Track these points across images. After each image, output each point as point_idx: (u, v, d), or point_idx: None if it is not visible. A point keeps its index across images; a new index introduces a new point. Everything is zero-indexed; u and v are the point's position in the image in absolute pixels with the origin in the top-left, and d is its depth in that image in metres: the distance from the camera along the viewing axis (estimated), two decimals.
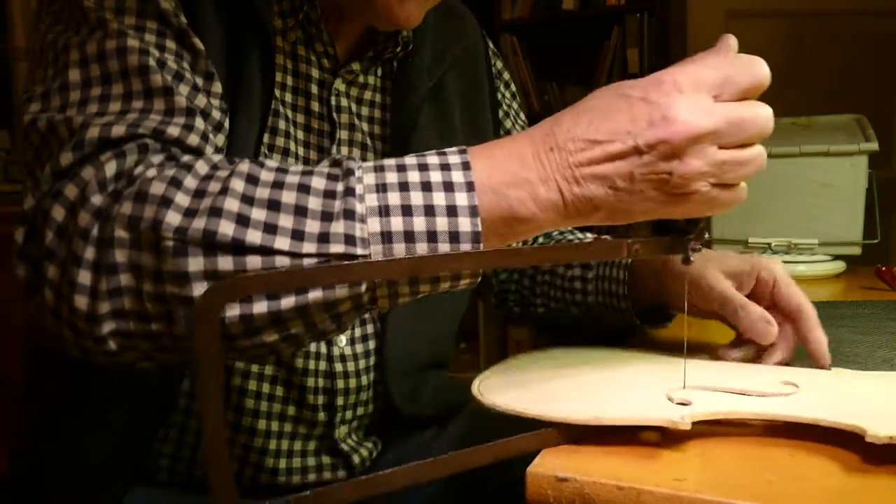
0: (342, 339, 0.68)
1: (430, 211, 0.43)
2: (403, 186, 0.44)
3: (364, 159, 0.68)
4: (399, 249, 0.43)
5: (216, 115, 0.56)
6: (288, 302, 0.42)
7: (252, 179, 0.44)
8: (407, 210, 0.43)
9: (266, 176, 0.45)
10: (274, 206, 0.43)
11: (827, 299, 1.02)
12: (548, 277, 0.80)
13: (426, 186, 0.44)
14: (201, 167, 0.46)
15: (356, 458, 0.70)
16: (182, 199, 0.44)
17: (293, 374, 0.66)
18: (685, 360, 0.53)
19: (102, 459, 0.62)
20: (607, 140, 0.44)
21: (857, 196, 1.17)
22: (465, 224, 0.43)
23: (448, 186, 0.44)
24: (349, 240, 0.42)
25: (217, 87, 0.57)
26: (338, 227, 0.43)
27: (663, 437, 0.44)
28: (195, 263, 0.42)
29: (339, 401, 0.68)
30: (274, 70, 0.62)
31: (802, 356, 0.63)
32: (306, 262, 0.42)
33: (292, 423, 0.67)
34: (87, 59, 0.52)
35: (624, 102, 0.44)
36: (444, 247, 0.43)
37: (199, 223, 0.42)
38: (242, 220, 0.43)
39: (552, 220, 0.46)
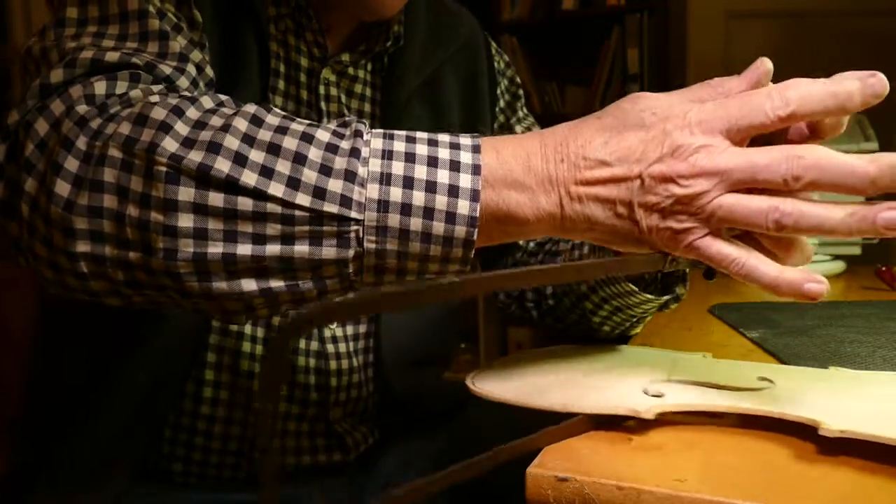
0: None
1: (431, 187, 0.43)
2: (410, 157, 0.43)
3: None
4: (393, 220, 0.42)
5: (209, 72, 0.56)
6: (273, 248, 0.42)
7: (256, 121, 0.44)
8: (408, 182, 0.43)
9: (271, 119, 0.44)
10: (274, 149, 0.43)
11: (827, 299, 1.02)
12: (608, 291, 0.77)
13: (432, 161, 0.43)
14: (206, 101, 0.46)
15: (350, 441, 0.70)
16: (182, 128, 0.43)
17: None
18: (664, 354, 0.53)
19: (105, 457, 0.62)
20: (616, 162, 0.43)
21: (858, 196, 1.17)
22: (463, 207, 0.43)
23: (454, 165, 0.43)
24: (345, 201, 0.42)
25: (207, 58, 0.57)
26: (336, 185, 0.42)
27: (664, 438, 0.44)
28: (185, 194, 0.41)
29: (333, 381, 0.68)
30: (269, 56, 0.63)
31: (803, 357, 0.63)
32: (297, 214, 0.42)
33: (285, 402, 0.67)
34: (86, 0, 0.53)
35: (640, 128, 0.44)
36: (438, 226, 0.43)
37: (196, 155, 0.42)
38: (240, 160, 0.42)
39: (546, 230, 0.46)
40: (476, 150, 0.44)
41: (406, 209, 0.42)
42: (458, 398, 0.76)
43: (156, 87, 0.48)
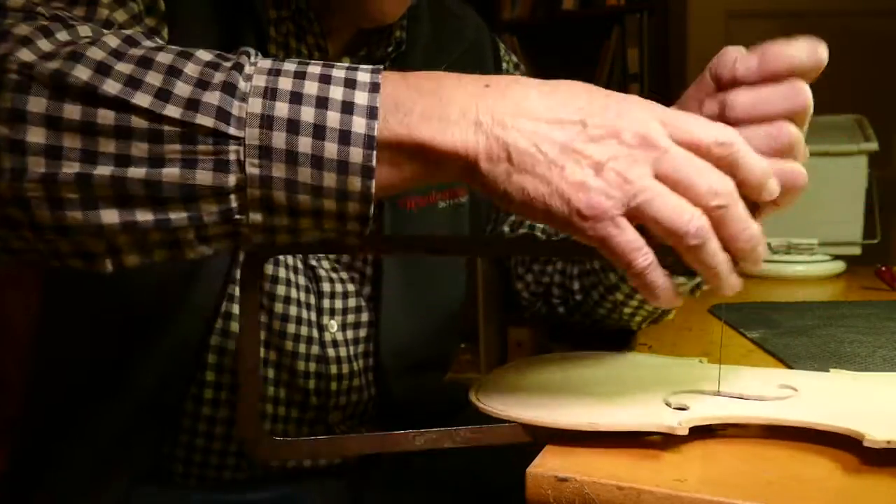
0: (333, 325, 0.68)
1: (322, 103, 0.38)
2: (300, 74, 0.39)
3: None
4: (278, 139, 0.38)
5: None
6: (137, 171, 0.38)
7: (131, 41, 0.40)
8: (296, 98, 0.38)
9: (150, 42, 0.41)
10: (144, 63, 0.39)
11: (827, 299, 1.02)
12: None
13: (324, 79, 0.39)
14: (83, 29, 0.42)
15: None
16: (45, 44, 0.39)
17: (283, 356, 0.66)
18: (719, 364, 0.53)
19: (106, 458, 0.62)
20: (554, 108, 0.40)
21: (857, 196, 1.17)
22: (359, 124, 0.38)
23: (349, 84, 0.39)
24: (221, 114, 0.38)
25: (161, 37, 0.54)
26: (212, 97, 0.38)
27: (664, 439, 0.44)
28: (36, 104, 0.37)
29: (333, 385, 0.68)
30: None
31: (803, 357, 0.63)
32: (166, 129, 0.37)
33: (284, 405, 0.67)
34: None
35: (584, 93, 0.41)
36: (331, 147, 0.38)
37: (52, 63, 0.38)
38: (102, 69, 0.38)
39: (462, 168, 0.40)
40: (375, 88, 0.39)
41: (293, 126, 0.38)
42: (458, 399, 0.76)
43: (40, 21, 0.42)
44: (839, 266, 1.21)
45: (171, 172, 0.38)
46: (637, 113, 0.40)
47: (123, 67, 0.38)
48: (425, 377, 0.76)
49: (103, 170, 0.37)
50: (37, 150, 0.37)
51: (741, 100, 0.44)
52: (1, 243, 0.41)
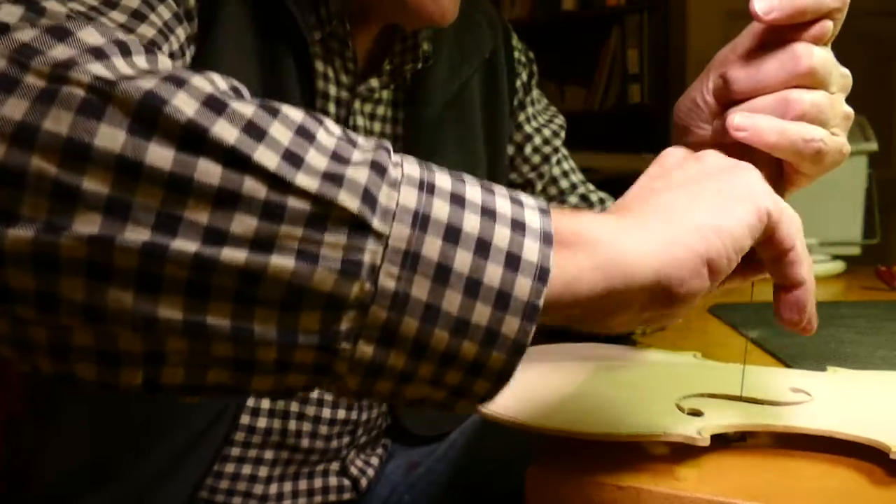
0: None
1: (488, 214, 0.30)
2: (456, 175, 0.31)
3: None
4: (431, 248, 0.28)
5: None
6: (233, 254, 0.27)
7: (235, 87, 0.30)
8: (458, 200, 0.29)
9: (256, 99, 0.30)
10: (267, 112, 0.28)
11: (827, 299, 1.02)
12: None
13: (488, 196, 0.31)
14: (164, 59, 0.31)
15: (364, 482, 0.69)
16: (122, 64, 0.28)
17: (291, 416, 0.63)
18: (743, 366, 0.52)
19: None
20: None
21: (857, 196, 1.18)
22: (531, 249, 0.30)
23: (517, 204, 0.31)
24: (368, 197, 0.28)
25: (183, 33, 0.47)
26: (357, 172, 0.28)
27: (672, 451, 0.43)
28: (109, 137, 0.26)
29: (360, 431, 0.67)
30: (314, 95, 0.58)
31: (803, 357, 0.63)
32: (291, 203, 0.27)
33: (304, 453, 0.65)
34: None
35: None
36: (494, 269, 0.29)
37: (143, 82, 0.27)
38: (215, 105, 0.27)
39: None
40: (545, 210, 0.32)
41: (452, 234, 0.28)
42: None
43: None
44: (839, 266, 1.21)
45: (280, 265, 0.27)
46: None
47: (242, 108, 0.28)
48: None
49: (185, 244, 0.26)
50: (93, 202, 0.26)
51: (740, 75, 0.43)
52: None
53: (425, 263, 0.28)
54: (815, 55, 0.41)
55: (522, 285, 0.29)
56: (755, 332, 0.73)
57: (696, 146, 0.46)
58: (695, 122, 0.48)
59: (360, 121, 0.64)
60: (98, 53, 0.27)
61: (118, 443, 0.57)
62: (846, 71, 0.44)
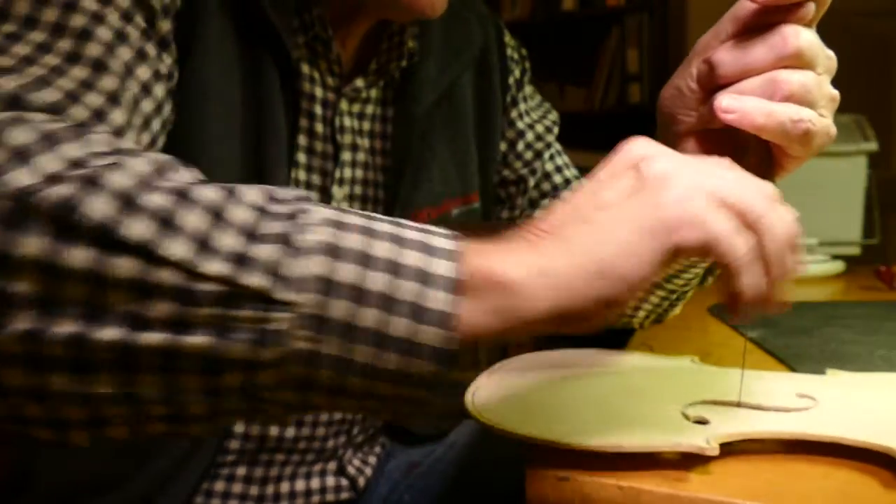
0: None
1: (395, 268, 0.32)
2: (367, 231, 0.33)
3: (365, 179, 0.65)
4: (338, 309, 0.31)
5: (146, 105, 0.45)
6: (152, 337, 0.30)
7: (162, 168, 0.33)
8: (364, 259, 0.32)
9: (186, 173, 0.33)
10: (181, 199, 0.31)
11: (827, 299, 1.02)
12: None
13: (396, 240, 0.34)
14: (98, 139, 0.33)
15: (361, 481, 0.69)
16: (49, 162, 0.31)
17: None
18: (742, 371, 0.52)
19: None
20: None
21: (857, 196, 1.18)
22: (436, 300, 0.32)
23: (426, 249, 0.34)
24: (275, 273, 0.31)
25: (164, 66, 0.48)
26: (263, 251, 0.31)
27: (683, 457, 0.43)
28: (31, 244, 0.29)
29: (356, 430, 0.67)
30: (298, 103, 0.58)
31: (803, 357, 0.63)
32: (200, 287, 0.30)
33: (300, 453, 0.65)
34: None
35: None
36: (398, 322, 0.32)
37: (59, 190, 0.29)
38: (126, 204, 0.30)
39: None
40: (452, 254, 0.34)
41: (358, 294, 0.31)
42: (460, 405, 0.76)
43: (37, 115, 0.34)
44: (838, 266, 1.21)
45: (196, 342, 0.30)
46: None
47: (153, 202, 0.30)
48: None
49: (110, 333, 0.30)
50: (23, 303, 0.29)
51: (726, 59, 0.43)
52: None
53: (333, 323, 0.31)
54: (802, 36, 0.42)
55: (428, 333, 0.32)
56: (755, 332, 0.73)
57: (683, 134, 0.46)
58: (680, 110, 0.48)
59: (348, 121, 0.64)
60: (23, 156, 0.30)
61: (118, 452, 0.57)
62: (831, 53, 0.44)
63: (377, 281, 0.32)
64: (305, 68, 0.61)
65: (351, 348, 0.31)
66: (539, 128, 0.79)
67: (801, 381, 0.54)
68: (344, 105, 0.64)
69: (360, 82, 0.64)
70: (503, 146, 0.78)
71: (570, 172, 0.80)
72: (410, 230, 0.35)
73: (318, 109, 0.62)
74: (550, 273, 0.34)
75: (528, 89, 0.81)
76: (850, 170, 1.16)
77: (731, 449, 0.42)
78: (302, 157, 0.62)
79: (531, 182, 0.78)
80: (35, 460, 0.59)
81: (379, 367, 0.32)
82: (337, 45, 0.61)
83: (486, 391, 0.49)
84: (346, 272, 0.31)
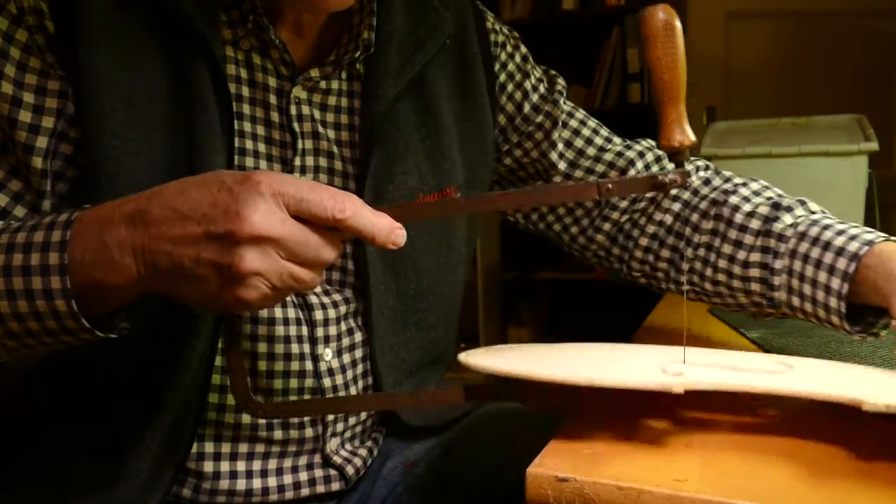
0: (328, 353, 0.66)
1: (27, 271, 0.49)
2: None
3: (331, 168, 0.66)
4: None
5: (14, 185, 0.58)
6: None
7: None
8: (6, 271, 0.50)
9: None
10: None
11: None
12: (702, 252, 0.70)
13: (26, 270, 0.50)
14: None
15: (350, 470, 0.69)
16: None
17: (274, 397, 0.64)
18: (684, 342, 0.53)
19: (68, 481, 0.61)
20: (188, 217, 0.47)
21: (857, 196, 1.17)
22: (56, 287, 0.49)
23: (45, 270, 0.49)
24: None
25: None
26: None
27: (664, 438, 0.44)
28: None
29: (330, 416, 0.67)
30: (228, 91, 0.60)
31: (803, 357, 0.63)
32: None
33: (280, 444, 0.65)
34: None
35: (216, 186, 0.47)
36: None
37: None
38: None
39: (132, 286, 0.49)
40: (63, 246, 0.49)
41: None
42: (458, 405, 0.75)
43: None
44: None
45: None
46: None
47: None
48: (425, 380, 0.75)
49: None
50: None
51: None
52: None
53: None
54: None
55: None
56: (755, 332, 0.73)
57: None
58: None
59: (307, 110, 0.66)
60: None
61: (96, 455, 0.60)
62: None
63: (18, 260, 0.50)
64: (257, 59, 0.63)
65: None
66: (535, 96, 0.80)
67: (785, 357, 0.55)
68: (301, 94, 0.65)
69: (314, 72, 0.65)
70: (512, 136, 0.79)
71: (600, 139, 0.80)
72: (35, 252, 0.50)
73: (273, 98, 0.64)
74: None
75: (515, 69, 0.80)
76: (851, 169, 1.16)
77: (712, 434, 0.42)
78: (248, 144, 0.63)
79: (554, 153, 0.78)
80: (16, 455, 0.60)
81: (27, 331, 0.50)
82: (287, 35, 0.63)
83: (479, 353, 0.54)
84: None
